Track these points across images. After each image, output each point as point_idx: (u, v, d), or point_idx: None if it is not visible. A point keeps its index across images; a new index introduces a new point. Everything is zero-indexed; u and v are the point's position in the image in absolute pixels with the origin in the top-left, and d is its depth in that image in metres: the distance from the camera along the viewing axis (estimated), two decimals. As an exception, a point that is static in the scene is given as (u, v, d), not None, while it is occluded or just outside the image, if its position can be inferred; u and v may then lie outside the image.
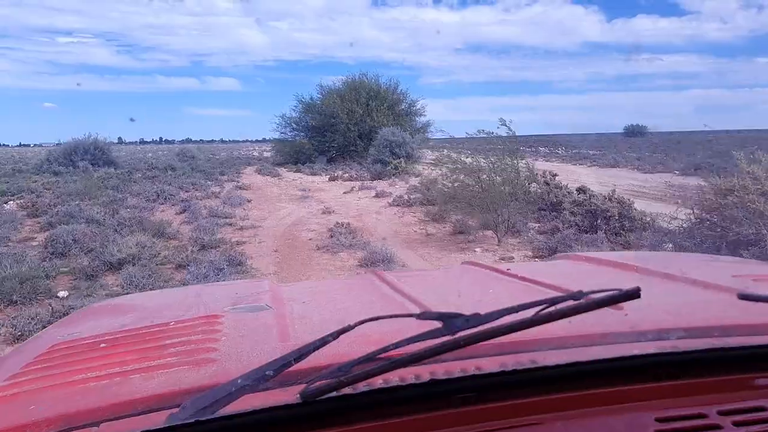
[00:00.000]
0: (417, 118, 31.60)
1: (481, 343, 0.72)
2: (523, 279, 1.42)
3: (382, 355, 0.72)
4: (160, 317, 1.24)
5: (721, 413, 0.73)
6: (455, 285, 1.67)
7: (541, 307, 0.75)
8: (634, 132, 75.93)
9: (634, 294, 0.71)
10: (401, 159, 21.12)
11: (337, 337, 0.77)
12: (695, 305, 1.17)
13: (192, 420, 0.65)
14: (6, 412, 0.82)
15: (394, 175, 19.51)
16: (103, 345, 1.07)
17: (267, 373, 0.72)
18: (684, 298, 1.24)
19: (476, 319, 0.74)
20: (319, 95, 31.84)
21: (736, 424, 0.71)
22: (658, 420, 0.72)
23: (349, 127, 28.96)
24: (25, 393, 0.88)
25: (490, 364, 0.82)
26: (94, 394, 0.83)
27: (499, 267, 1.70)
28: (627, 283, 0.74)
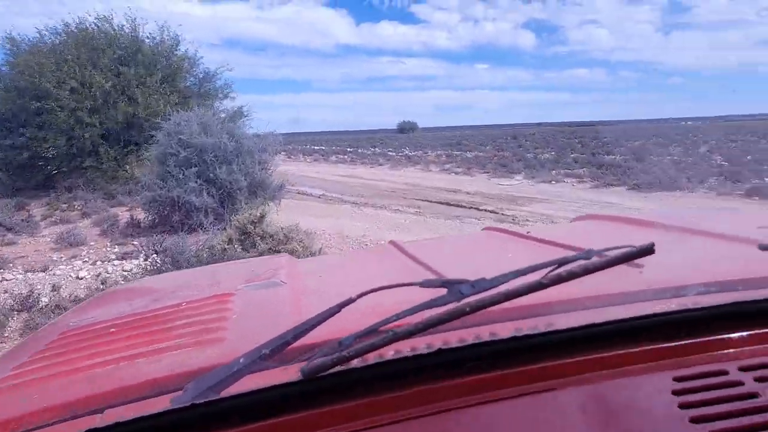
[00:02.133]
0: (222, 102, 16.28)
1: (489, 308, 0.69)
2: (543, 241, 1.41)
3: (385, 327, 0.70)
4: (172, 299, 1.22)
5: (742, 369, 0.71)
6: (474, 251, 1.66)
7: (550, 269, 0.73)
8: (406, 128, 77.59)
9: (648, 250, 0.69)
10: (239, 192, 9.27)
11: (339, 310, 0.76)
12: (716, 259, 1.15)
13: (191, 403, 0.64)
14: (10, 402, 0.82)
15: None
16: (112, 330, 1.05)
17: (264, 352, 0.71)
18: (705, 252, 1.22)
19: (482, 283, 0.73)
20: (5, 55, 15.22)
21: (758, 380, 0.68)
22: (676, 379, 0.70)
23: (77, 115, 13.74)
24: (31, 381, 0.87)
25: (502, 330, 0.79)
26: (100, 380, 0.82)
27: (519, 231, 1.70)
28: (646, 240, 0.72)
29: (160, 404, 0.67)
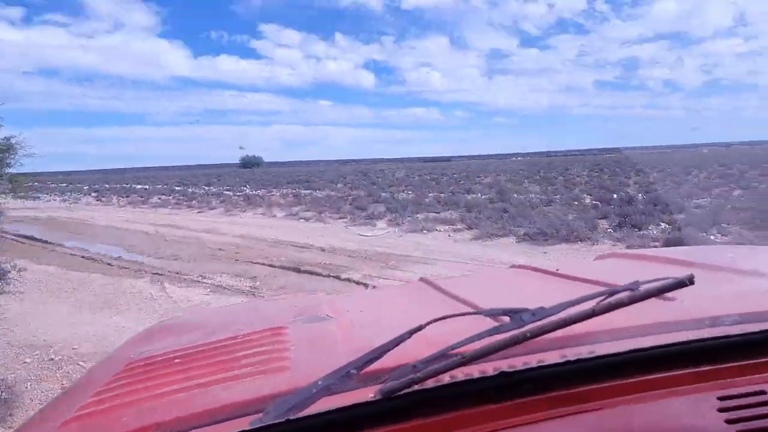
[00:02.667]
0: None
1: (545, 336, 0.76)
2: (574, 278, 1.47)
3: (454, 351, 0.76)
4: (225, 332, 1.26)
5: None
6: (507, 287, 1.71)
7: (600, 298, 0.79)
8: (249, 163, 71.32)
9: (688, 281, 0.75)
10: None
11: (410, 336, 0.82)
12: (746, 293, 1.21)
13: (275, 421, 0.69)
14: (97, 426, 0.87)
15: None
16: (177, 360, 1.10)
17: (351, 371, 0.77)
18: (734, 286, 1.28)
19: (542, 312, 0.79)
20: None
21: None
22: (720, 398, 0.75)
23: None
24: (113, 407, 0.92)
25: (554, 357, 0.84)
26: (178, 405, 0.87)
27: (548, 269, 1.71)
28: (677, 275, 0.79)
29: (239, 427, 0.71)
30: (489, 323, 0.82)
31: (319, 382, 0.75)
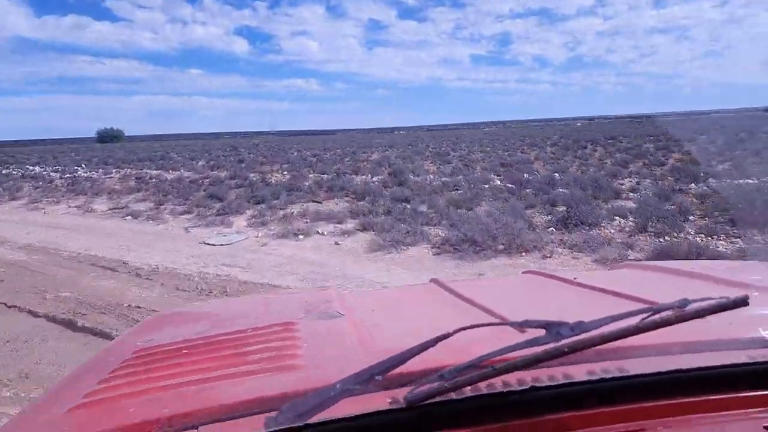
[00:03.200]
0: None
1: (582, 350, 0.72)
2: (592, 288, 1.39)
3: (485, 362, 0.72)
4: (234, 325, 1.23)
5: None
6: (521, 293, 1.64)
7: (646, 315, 0.75)
8: (108, 137, 60.95)
9: (742, 302, 0.71)
10: None
11: (436, 344, 0.77)
12: None
13: (293, 424, 0.66)
14: (105, 413, 0.84)
15: None
16: (185, 351, 1.07)
17: (376, 377, 0.73)
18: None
19: (581, 326, 0.74)
20: None
21: None
22: None
23: None
24: (120, 396, 0.89)
25: (583, 371, 0.80)
26: (188, 398, 0.84)
27: (563, 276, 1.64)
28: (697, 291, 0.77)
29: (255, 424, 0.70)
30: (519, 334, 0.78)
31: (338, 385, 0.72)
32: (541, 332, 0.73)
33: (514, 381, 0.76)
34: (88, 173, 23.99)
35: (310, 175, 18.40)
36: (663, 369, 0.77)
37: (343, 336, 1.12)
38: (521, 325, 0.77)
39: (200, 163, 27.60)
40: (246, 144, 49.10)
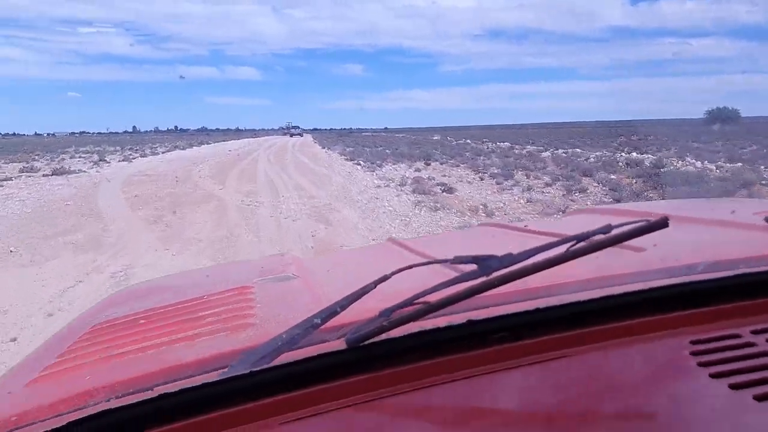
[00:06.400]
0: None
1: (515, 287, 0.76)
2: (543, 233, 1.40)
3: (421, 300, 0.74)
4: (191, 293, 1.23)
5: (754, 332, 0.76)
6: (475, 243, 1.64)
7: (571, 243, 0.76)
8: (719, 117, 51.88)
9: (661, 224, 0.71)
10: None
11: (376, 286, 0.79)
12: (719, 242, 1.18)
13: (239, 373, 0.68)
14: (61, 384, 0.84)
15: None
16: (142, 321, 1.09)
17: (315, 321, 0.76)
18: (707, 236, 1.26)
19: (509, 258, 0.75)
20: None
21: None
22: (693, 342, 0.75)
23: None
24: (76, 366, 0.91)
25: (522, 307, 0.82)
26: (144, 363, 0.85)
27: (516, 224, 1.69)
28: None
29: (210, 378, 0.70)
30: (457, 272, 0.79)
31: (284, 335, 0.75)
32: (474, 267, 0.75)
33: (458, 319, 0.77)
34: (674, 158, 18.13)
35: None
36: (591, 297, 0.79)
37: (296, 295, 1.15)
38: (452, 262, 0.79)
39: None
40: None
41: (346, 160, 23.84)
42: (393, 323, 0.72)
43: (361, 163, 21.34)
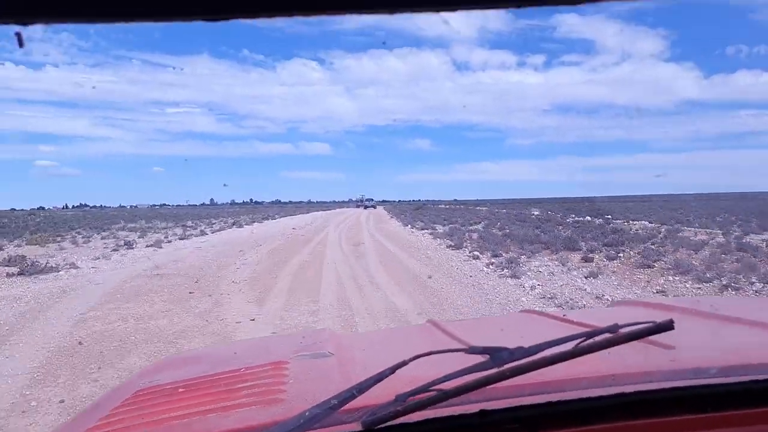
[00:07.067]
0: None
1: (532, 379, 0.76)
2: (579, 324, 1.42)
3: (436, 387, 0.76)
4: (230, 365, 1.28)
5: None
6: (512, 331, 1.66)
7: (579, 340, 0.77)
8: None
9: (667, 326, 0.71)
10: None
11: (394, 371, 0.80)
12: (738, 344, 1.18)
13: None
14: None
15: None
16: (181, 390, 1.13)
17: (333, 402, 0.77)
18: (745, 338, 1.24)
19: (521, 351, 0.76)
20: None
21: None
22: None
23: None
24: (120, 429, 0.96)
25: (538, 400, 0.82)
26: (179, 430, 0.91)
27: (556, 314, 1.70)
28: (678, 324, 0.75)
29: None
30: (473, 361, 0.80)
31: (306, 413, 0.76)
32: (487, 357, 0.77)
33: (474, 407, 0.79)
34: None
35: None
36: (600, 395, 0.81)
37: (329, 373, 1.19)
38: (467, 352, 0.81)
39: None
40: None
41: (449, 248, 16.16)
42: (407, 408, 0.74)
43: (480, 256, 13.68)
